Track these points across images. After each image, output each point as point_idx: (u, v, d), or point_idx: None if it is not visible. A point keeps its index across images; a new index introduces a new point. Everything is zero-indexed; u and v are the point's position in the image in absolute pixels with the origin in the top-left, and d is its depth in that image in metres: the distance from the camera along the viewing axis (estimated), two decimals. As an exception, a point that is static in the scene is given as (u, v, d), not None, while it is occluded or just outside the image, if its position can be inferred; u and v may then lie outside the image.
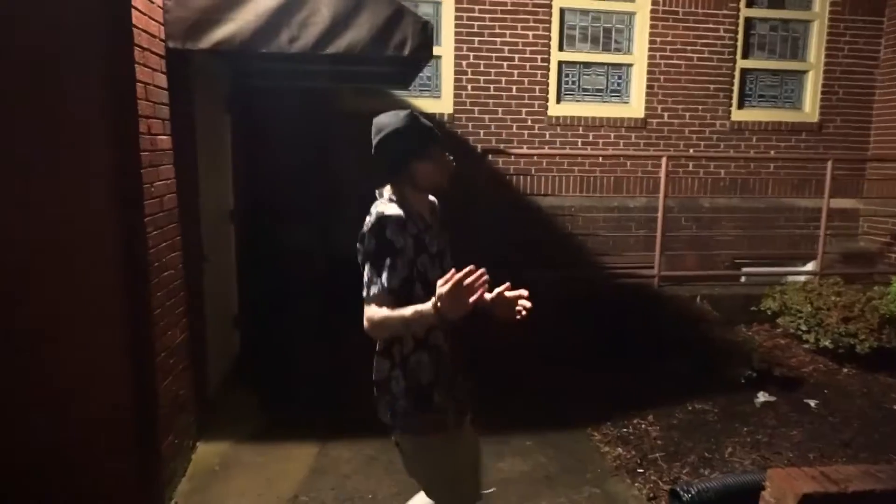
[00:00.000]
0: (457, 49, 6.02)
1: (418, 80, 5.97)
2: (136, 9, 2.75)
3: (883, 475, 2.08)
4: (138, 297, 2.87)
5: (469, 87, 6.11)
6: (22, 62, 2.52)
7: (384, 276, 1.82)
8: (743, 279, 6.56)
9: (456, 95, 6.11)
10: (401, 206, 1.92)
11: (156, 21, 2.99)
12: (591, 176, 6.38)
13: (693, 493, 2.66)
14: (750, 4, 6.43)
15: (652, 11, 6.22)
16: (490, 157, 6.08)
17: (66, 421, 2.83)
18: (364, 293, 1.86)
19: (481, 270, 1.71)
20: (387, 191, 2.00)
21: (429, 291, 1.79)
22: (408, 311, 1.78)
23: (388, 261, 1.82)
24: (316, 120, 5.50)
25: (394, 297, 1.83)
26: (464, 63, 6.07)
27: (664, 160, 5.76)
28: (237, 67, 4.71)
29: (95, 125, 2.71)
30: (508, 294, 1.92)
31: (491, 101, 6.16)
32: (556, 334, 5.03)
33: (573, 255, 6.13)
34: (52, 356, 2.77)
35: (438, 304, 1.71)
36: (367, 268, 1.86)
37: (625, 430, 3.97)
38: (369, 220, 1.89)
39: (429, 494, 2.18)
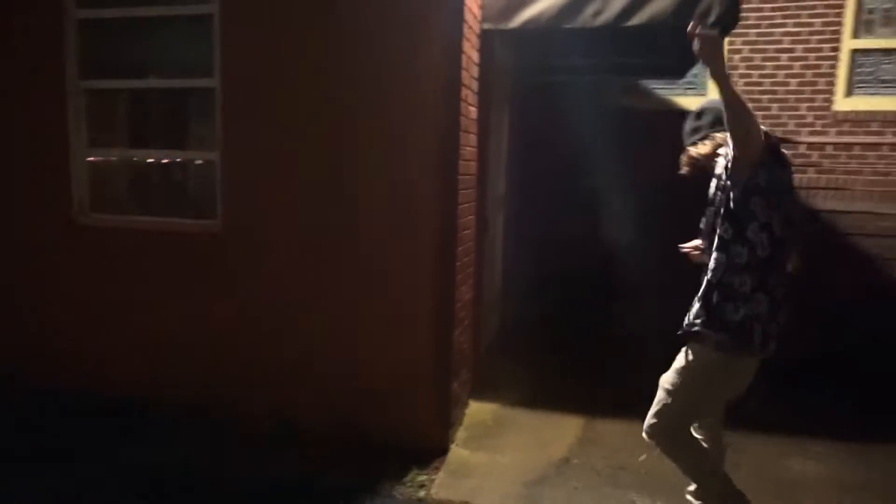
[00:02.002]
0: (730, 43, 5.72)
1: (683, 79, 5.80)
2: (466, -10, 3.12)
3: None
4: (448, 247, 3.19)
5: (741, 83, 5.76)
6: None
7: None
8: None
9: (725, 92, 5.80)
10: None
11: (477, 4, 3.34)
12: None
13: None
14: None
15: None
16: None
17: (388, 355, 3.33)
18: None
19: None
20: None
21: None
22: None
23: None
24: (583, 115, 5.59)
25: None
26: (735, 57, 5.75)
27: None
28: (518, 63, 5.03)
29: (429, 88, 3.12)
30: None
31: (765, 96, 5.73)
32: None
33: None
34: (386, 288, 3.30)
35: None
36: None
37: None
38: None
39: (668, 395, 2.40)
